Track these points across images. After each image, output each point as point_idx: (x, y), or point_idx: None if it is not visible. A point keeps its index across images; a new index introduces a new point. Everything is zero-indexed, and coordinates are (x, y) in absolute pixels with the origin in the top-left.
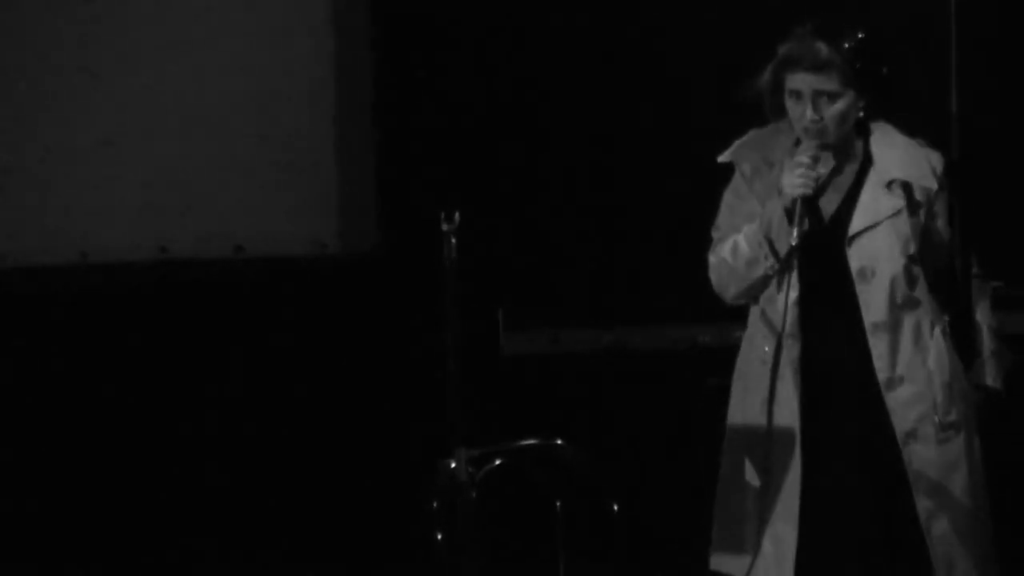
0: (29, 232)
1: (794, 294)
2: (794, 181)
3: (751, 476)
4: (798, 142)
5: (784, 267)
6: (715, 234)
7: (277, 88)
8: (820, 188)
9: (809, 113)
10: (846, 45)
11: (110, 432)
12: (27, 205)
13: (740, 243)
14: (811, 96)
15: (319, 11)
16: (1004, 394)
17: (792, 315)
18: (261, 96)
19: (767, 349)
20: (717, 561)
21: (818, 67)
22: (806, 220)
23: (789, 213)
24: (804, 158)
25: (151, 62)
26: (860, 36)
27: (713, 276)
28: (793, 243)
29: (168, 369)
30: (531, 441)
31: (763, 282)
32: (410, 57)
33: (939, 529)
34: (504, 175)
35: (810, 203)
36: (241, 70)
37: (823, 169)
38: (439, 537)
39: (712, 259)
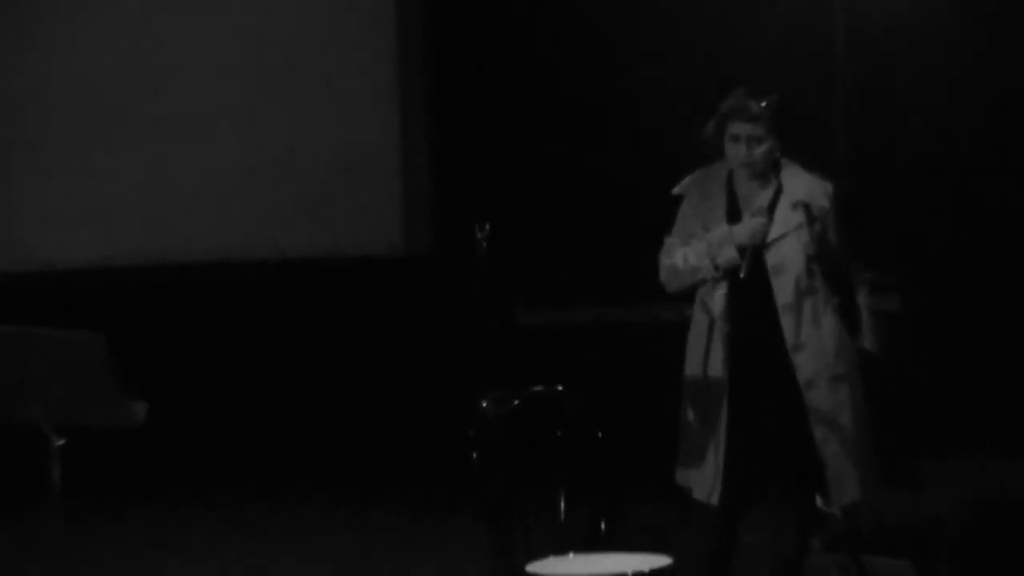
0: (180, 234)
1: (724, 287)
2: (753, 232)
3: (692, 416)
4: (730, 177)
5: (722, 276)
6: (668, 243)
7: (360, 137)
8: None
9: (743, 152)
10: (770, 103)
11: (252, 390)
12: (180, 213)
13: (688, 255)
14: (746, 140)
15: (389, 82)
16: (880, 354)
17: (723, 302)
18: (350, 143)
19: (703, 326)
20: (680, 477)
21: (751, 118)
22: (751, 260)
23: (741, 251)
24: (763, 217)
25: (264, 106)
26: (778, 98)
27: (662, 273)
28: (741, 275)
29: (283, 341)
30: (540, 388)
31: (700, 282)
32: (452, 118)
33: (831, 450)
34: (518, 197)
35: (756, 248)
36: (336, 123)
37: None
38: (474, 456)
39: (665, 261)
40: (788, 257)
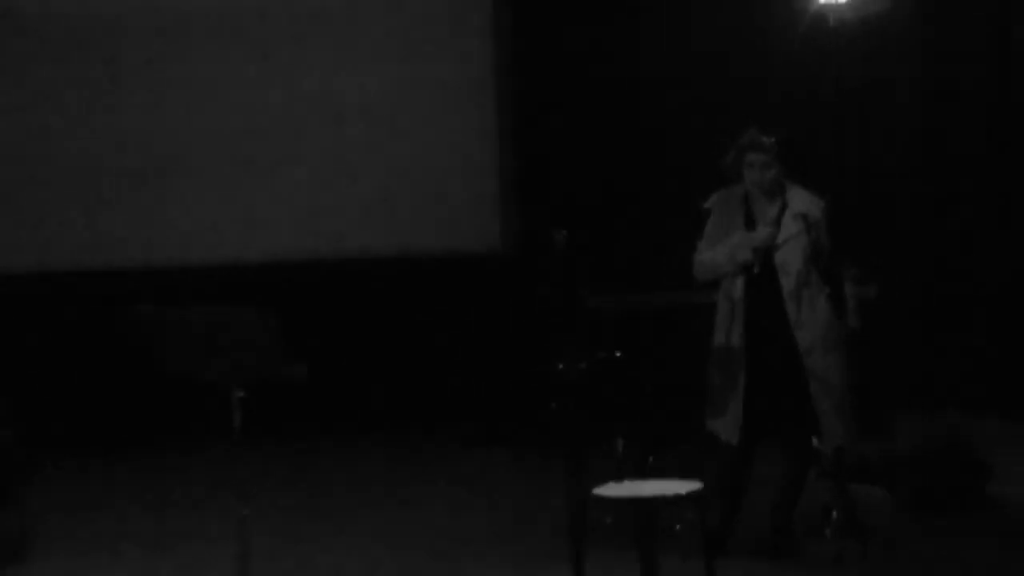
0: (327, 236)
1: (742, 279)
2: (765, 238)
3: (718, 377)
4: (746, 195)
5: (740, 271)
6: (699, 245)
7: (466, 162)
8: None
9: (757, 176)
10: (776, 138)
11: (385, 355)
12: (325, 220)
13: (716, 255)
14: (759, 167)
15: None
16: (859, 331)
17: (741, 290)
18: (460, 168)
19: (726, 309)
20: (709, 424)
21: (762, 150)
22: (762, 258)
23: (757, 253)
24: (771, 227)
25: (389, 135)
26: (783, 135)
27: (696, 269)
28: (755, 270)
29: (406, 319)
30: (603, 355)
31: (725, 275)
32: (538, 144)
33: (823, 404)
34: (590, 206)
35: (767, 249)
36: (446, 152)
37: (776, 229)
38: (553, 406)
39: (697, 259)
40: (791, 256)
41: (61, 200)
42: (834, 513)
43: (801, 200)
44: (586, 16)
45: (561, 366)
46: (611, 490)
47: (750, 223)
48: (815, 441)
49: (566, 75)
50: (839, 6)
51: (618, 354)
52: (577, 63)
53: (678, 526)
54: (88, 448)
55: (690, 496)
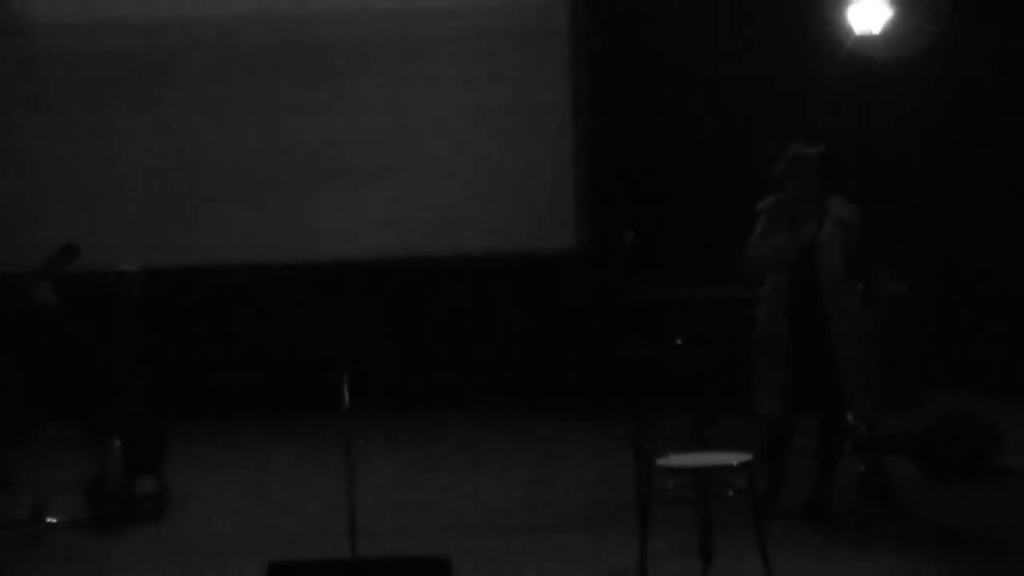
0: (422, 236)
1: (787, 273)
2: (807, 236)
3: (763, 360)
4: (792, 201)
5: (786, 266)
6: (751, 241)
7: (548, 179)
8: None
9: (801, 183)
10: (818, 152)
11: (473, 337)
12: (422, 222)
13: (765, 251)
14: (803, 175)
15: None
16: (888, 322)
17: (785, 285)
18: (546, 184)
19: (772, 301)
20: (756, 402)
21: (806, 161)
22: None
23: (799, 250)
24: (813, 228)
25: (482, 148)
26: (822, 149)
27: (746, 263)
28: (797, 266)
29: (497, 306)
30: (666, 341)
31: (771, 269)
32: (609, 158)
33: (855, 385)
34: (653, 210)
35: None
36: (530, 170)
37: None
38: (618, 387)
39: (748, 254)
40: (829, 255)
41: (199, 208)
42: (866, 481)
43: (840, 207)
44: (657, 31)
45: (625, 351)
46: (672, 460)
47: (795, 225)
48: (849, 417)
49: (637, 93)
50: (873, 39)
51: (679, 341)
52: (647, 81)
53: (730, 492)
54: (211, 423)
55: (740, 466)
